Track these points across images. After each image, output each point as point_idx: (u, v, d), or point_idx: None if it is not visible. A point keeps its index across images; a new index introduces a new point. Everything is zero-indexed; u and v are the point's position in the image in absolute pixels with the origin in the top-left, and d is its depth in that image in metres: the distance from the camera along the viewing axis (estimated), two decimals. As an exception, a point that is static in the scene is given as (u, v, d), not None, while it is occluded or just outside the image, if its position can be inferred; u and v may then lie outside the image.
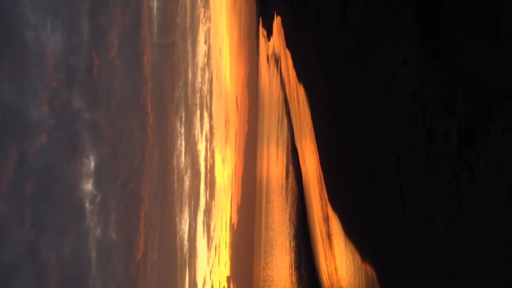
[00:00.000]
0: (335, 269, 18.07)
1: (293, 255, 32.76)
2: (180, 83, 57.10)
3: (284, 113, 44.81)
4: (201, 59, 74.76)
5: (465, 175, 6.39)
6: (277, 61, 58.76)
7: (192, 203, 64.82)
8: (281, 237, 43.10)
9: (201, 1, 72.25)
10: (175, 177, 53.37)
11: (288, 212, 36.76)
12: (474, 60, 6.31)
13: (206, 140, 77.75)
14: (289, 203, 35.99)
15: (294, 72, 35.07)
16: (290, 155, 36.38)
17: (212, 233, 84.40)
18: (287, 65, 43.18)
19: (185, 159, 59.67)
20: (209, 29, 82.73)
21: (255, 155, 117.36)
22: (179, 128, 55.88)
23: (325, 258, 20.60)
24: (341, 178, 17.27)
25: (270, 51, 71.30)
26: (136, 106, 39.18)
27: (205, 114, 77.53)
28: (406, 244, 9.38)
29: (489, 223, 5.87)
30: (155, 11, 45.09)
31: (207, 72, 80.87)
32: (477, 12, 6.19)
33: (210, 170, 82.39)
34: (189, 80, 63.71)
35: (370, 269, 12.94)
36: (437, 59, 7.39)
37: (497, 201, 5.70)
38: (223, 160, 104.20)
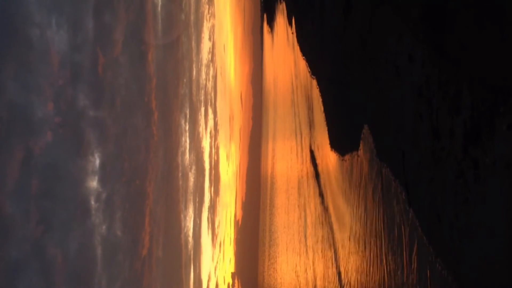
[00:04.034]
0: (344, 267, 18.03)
1: (302, 251, 32.72)
2: (185, 80, 57.16)
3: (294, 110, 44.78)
4: (205, 56, 74.79)
5: (470, 172, 6.35)
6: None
7: (197, 200, 65.00)
8: (289, 234, 43.05)
9: (205, -2, 72.20)
10: (180, 174, 53.50)
11: (297, 208, 36.68)
12: (480, 56, 6.25)
13: (211, 137, 77.85)
14: (299, 199, 35.92)
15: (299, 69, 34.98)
16: (300, 150, 36.24)
17: (216, 230, 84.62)
18: (291, 61, 43.10)
19: (189, 156, 59.80)
20: (213, 26, 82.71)
21: (260, 151, 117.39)
22: (183, 125, 55.97)
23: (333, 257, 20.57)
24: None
25: (274, 47, 71.22)
26: (140, 103, 39.28)
27: (210, 111, 77.62)
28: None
29: (495, 220, 5.84)
30: (159, 8, 45.12)
31: (211, 68, 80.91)
32: (483, 8, 6.14)
33: (215, 166, 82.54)
34: (194, 77, 63.78)
35: (376, 266, 12.91)
36: (442, 56, 7.33)
37: (502, 198, 5.66)
38: (227, 157, 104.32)
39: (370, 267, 13.59)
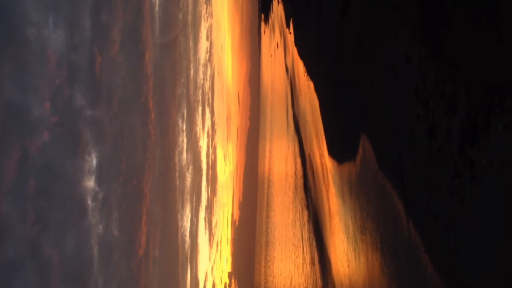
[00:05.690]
0: (343, 264, 18.05)
1: (298, 252, 32.72)
2: (182, 79, 57.12)
3: (290, 107, 44.72)
4: (203, 55, 74.77)
5: (467, 172, 6.36)
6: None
7: (194, 200, 64.97)
8: (286, 235, 43.04)
9: (202, -2, 72.16)
10: (177, 174, 53.45)
11: (293, 209, 36.65)
12: (477, 56, 6.28)
13: (208, 137, 77.85)
14: (295, 200, 35.89)
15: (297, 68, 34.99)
16: (297, 151, 36.22)
17: (213, 230, 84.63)
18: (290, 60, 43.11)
19: (186, 156, 59.77)
20: (211, 26, 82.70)
21: (257, 151, 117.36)
22: (180, 124, 55.93)
23: (332, 254, 20.61)
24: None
25: (272, 48, 71.22)
26: (137, 103, 39.22)
27: (207, 111, 77.61)
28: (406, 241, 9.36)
29: (491, 220, 5.86)
30: (157, 8, 45.08)
31: (209, 68, 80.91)
32: (480, 9, 6.16)
33: (212, 166, 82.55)
34: (191, 77, 63.75)
35: (373, 267, 12.95)
36: (439, 56, 7.35)
37: (499, 198, 5.68)
38: (224, 157, 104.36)
39: (366, 267, 13.61)
